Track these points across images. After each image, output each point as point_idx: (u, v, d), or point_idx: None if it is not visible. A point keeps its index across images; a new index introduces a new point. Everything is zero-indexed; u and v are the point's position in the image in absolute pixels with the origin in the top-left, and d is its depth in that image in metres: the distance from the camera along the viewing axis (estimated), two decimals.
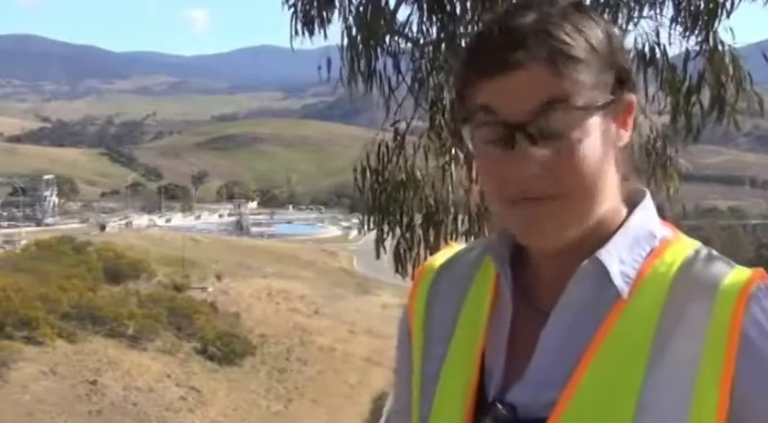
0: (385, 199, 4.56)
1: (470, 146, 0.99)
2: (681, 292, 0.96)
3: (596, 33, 0.96)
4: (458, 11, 4.64)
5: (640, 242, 1.00)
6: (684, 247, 1.01)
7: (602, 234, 0.99)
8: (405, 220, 4.59)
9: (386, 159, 4.64)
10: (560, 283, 0.99)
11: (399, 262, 4.60)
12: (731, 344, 0.91)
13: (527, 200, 0.94)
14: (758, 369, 0.91)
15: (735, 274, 0.96)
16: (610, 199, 0.99)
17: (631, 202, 1.03)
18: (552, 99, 0.92)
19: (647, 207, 1.03)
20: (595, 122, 0.95)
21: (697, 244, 1.02)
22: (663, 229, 1.03)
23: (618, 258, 0.97)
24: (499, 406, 1.00)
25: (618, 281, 0.96)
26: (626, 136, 1.00)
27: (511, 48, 0.92)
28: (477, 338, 1.06)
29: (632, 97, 1.00)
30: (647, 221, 1.02)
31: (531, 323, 1.01)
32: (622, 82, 0.98)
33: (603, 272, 0.97)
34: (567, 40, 0.93)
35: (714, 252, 1.01)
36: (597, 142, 0.95)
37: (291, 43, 4.73)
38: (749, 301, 0.93)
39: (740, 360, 0.91)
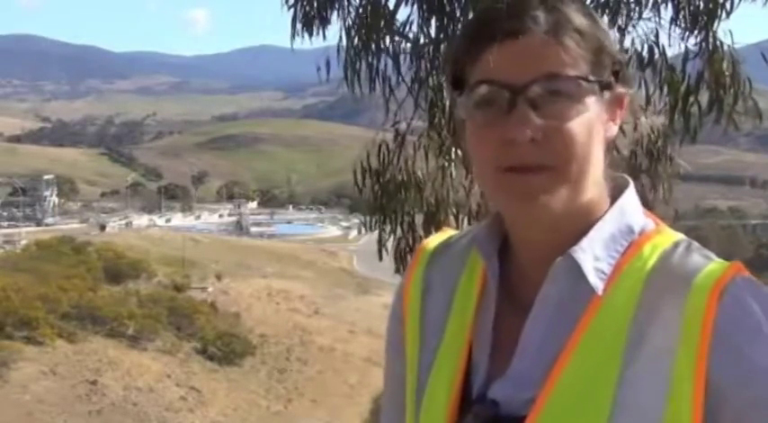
0: (386, 199, 4.57)
1: (464, 116, 1.00)
2: (656, 287, 0.96)
3: (598, 22, 1.00)
4: (457, 11, 4.65)
5: (616, 237, 0.99)
6: (664, 239, 1.00)
7: (583, 226, 0.99)
8: (406, 220, 4.60)
9: (386, 160, 4.65)
10: (540, 278, 0.99)
11: (400, 262, 4.60)
12: (704, 336, 0.91)
13: (520, 169, 0.95)
14: (731, 360, 0.91)
15: (710, 268, 0.95)
16: (595, 185, 0.99)
17: (614, 194, 1.03)
18: (555, 68, 0.94)
19: (628, 199, 1.03)
20: (592, 101, 0.96)
21: (678, 236, 1.01)
22: (643, 222, 1.02)
23: (592, 255, 0.97)
24: (480, 402, 1.01)
25: (592, 278, 0.96)
26: (615, 129, 1.01)
27: (519, 15, 0.96)
28: (464, 331, 1.06)
29: (624, 92, 1.00)
30: (626, 214, 1.01)
31: (515, 318, 1.01)
32: (618, 72, 0.99)
33: (577, 269, 0.96)
34: (573, 14, 0.97)
35: (694, 244, 1.00)
36: (593, 121, 0.96)
37: (291, 43, 4.74)
38: (722, 294, 0.92)
39: (713, 352, 0.90)
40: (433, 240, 1.18)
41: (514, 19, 0.96)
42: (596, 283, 0.96)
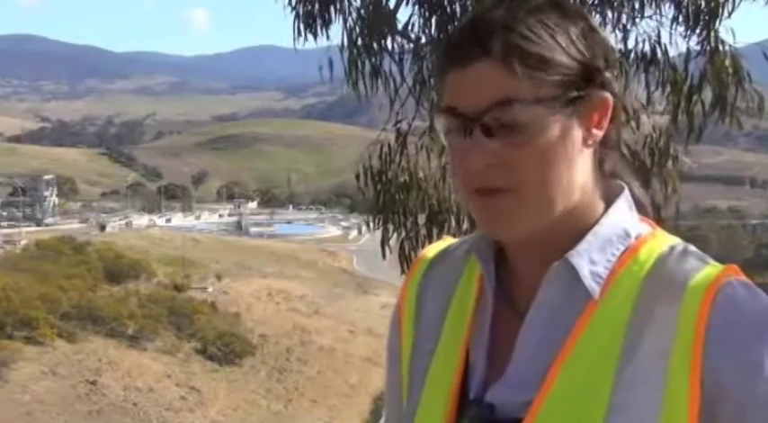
0: (389, 199, 4.57)
1: (443, 139, 1.01)
2: (651, 291, 0.96)
3: (567, 30, 0.97)
4: (458, 11, 4.65)
5: (613, 241, 1.00)
6: (660, 243, 1.00)
7: (576, 232, 0.99)
8: (409, 220, 4.60)
9: (388, 160, 4.65)
10: (535, 282, 1.00)
11: (405, 262, 4.61)
12: (698, 337, 0.91)
13: (484, 191, 0.96)
14: (726, 360, 0.91)
15: (706, 270, 0.96)
16: (576, 196, 0.99)
17: (609, 199, 1.03)
18: (504, 96, 0.93)
19: (623, 204, 1.03)
20: (554, 119, 0.95)
21: (674, 240, 1.02)
22: (639, 226, 1.02)
23: (588, 259, 0.98)
24: (477, 405, 1.01)
25: (588, 281, 0.97)
26: (598, 135, 0.99)
27: (471, 43, 0.96)
28: (461, 336, 1.06)
29: (606, 96, 0.98)
30: (622, 219, 1.01)
31: (512, 322, 1.02)
32: (591, 79, 0.97)
33: (574, 273, 0.97)
34: (528, 35, 0.95)
35: (691, 247, 1.00)
36: (555, 139, 0.95)
37: (295, 44, 4.74)
38: (716, 295, 0.93)
39: (707, 352, 0.91)
40: (432, 249, 1.19)
41: (468, 46, 0.95)
42: (592, 286, 0.97)
